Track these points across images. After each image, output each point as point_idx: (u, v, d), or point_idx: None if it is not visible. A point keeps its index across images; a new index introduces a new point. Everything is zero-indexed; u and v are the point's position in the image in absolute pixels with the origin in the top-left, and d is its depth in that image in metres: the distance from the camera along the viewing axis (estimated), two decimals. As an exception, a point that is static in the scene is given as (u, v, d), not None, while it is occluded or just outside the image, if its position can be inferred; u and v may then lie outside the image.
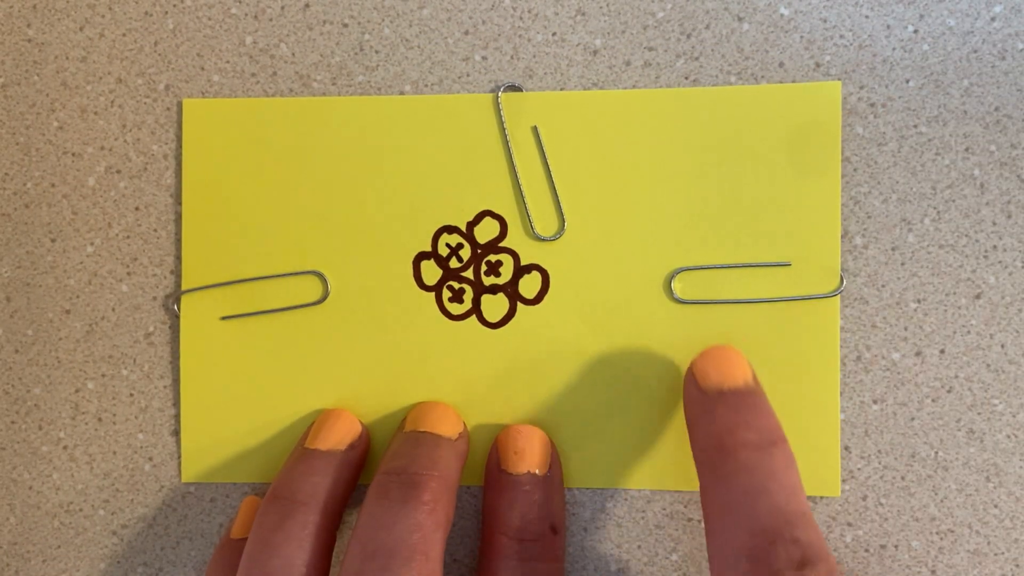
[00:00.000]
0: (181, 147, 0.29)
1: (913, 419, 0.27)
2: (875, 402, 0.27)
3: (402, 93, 0.28)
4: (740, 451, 0.22)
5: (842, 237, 0.27)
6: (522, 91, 0.28)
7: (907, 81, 0.27)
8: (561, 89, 0.27)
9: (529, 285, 0.28)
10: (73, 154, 0.29)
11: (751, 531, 0.21)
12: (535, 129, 0.27)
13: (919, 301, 0.27)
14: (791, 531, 0.21)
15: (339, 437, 0.26)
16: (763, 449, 0.22)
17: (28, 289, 0.29)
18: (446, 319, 0.28)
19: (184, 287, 0.28)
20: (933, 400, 0.27)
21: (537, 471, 0.26)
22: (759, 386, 0.24)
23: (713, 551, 0.22)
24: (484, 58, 0.28)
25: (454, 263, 0.28)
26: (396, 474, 0.24)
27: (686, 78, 0.27)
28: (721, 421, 0.23)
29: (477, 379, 0.28)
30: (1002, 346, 0.27)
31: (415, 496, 0.23)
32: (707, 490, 0.23)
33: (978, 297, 0.27)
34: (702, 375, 0.24)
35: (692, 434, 0.24)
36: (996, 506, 0.27)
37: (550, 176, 0.27)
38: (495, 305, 0.28)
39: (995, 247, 0.27)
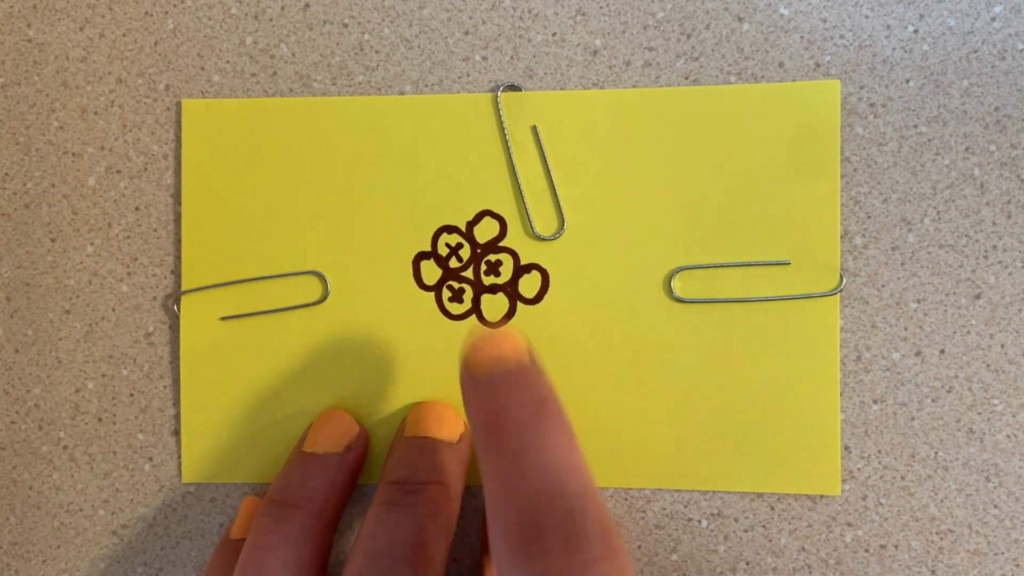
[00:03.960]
0: (181, 147, 0.29)
1: (913, 419, 0.27)
2: (875, 402, 0.27)
3: (402, 93, 0.28)
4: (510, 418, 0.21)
5: (842, 237, 0.27)
6: (521, 91, 0.28)
7: (907, 81, 0.27)
8: (561, 89, 0.27)
9: (529, 285, 0.28)
10: (73, 154, 0.29)
11: (519, 499, 0.19)
12: (534, 129, 0.27)
13: (919, 301, 0.27)
14: (562, 502, 0.19)
15: (336, 440, 0.26)
16: (533, 411, 0.21)
17: (28, 289, 0.29)
18: (446, 319, 0.28)
19: (184, 287, 0.28)
20: (933, 400, 0.27)
21: None
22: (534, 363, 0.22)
23: (489, 522, 0.20)
24: (484, 58, 0.28)
25: (454, 263, 0.28)
26: (399, 484, 0.24)
27: (686, 78, 0.27)
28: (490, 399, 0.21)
29: (477, 379, 0.28)
30: (1002, 346, 0.27)
31: (419, 503, 0.24)
32: (481, 461, 0.21)
33: (978, 297, 0.27)
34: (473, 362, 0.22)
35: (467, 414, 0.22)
36: (996, 506, 0.27)
37: (549, 176, 0.27)
38: (495, 305, 0.28)
39: (995, 247, 0.27)
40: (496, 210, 0.28)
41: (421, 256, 0.28)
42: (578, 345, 0.27)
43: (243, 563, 0.24)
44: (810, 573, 0.27)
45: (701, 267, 0.27)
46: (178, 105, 0.29)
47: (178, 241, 0.29)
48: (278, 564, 0.24)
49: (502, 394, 0.21)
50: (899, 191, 0.27)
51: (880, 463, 0.27)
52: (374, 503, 0.24)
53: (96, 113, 0.29)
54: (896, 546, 0.27)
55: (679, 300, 0.27)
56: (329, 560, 0.26)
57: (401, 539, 0.23)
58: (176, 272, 0.29)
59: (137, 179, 0.29)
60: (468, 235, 0.28)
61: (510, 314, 0.28)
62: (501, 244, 0.28)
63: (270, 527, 0.24)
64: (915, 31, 0.27)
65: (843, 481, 0.27)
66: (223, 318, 0.28)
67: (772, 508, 0.27)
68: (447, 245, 0.28)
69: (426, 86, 0.28)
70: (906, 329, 0.27)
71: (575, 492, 0.19)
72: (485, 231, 0.28)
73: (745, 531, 0.27)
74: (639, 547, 0.28)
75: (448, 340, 0.28)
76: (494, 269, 0.28)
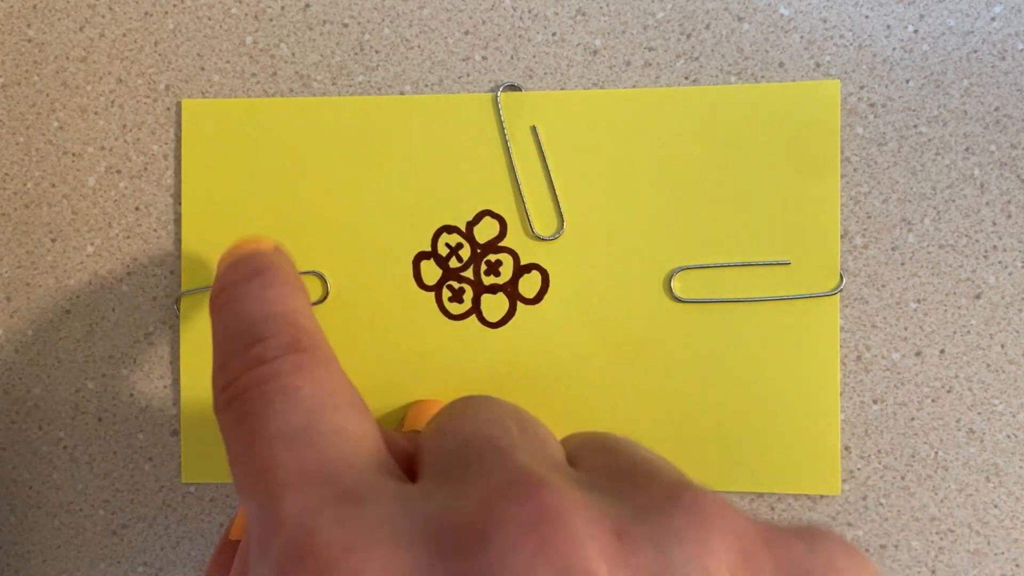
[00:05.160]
0: (181, 147, 0.29)
1: (913, 419, 0.27)
2: (875, 402, 0.27)
3: (402, 93, 0.28)
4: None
5: (842, 237, 0.27)
6: (521, 91, 0.28)
7: (907, 81, 0.27)
8: (561, 89, 0.27)
9: (529, 285, 0.28)
10: (73, 154, 0.29)
11: (219, 343, 0.20)
12: (534, 129, 0.27)
13: (919, 301, 0.27)
14: (267, 326, 0.20)
15: None
16: (245, 275, 0.22)
17: (28, 289, 0.29)
18: (446, 319, 0.28)
19: (184, 287, 0.28)
20: (933, 400, 0.27)
21: None
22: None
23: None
24: (484, 58, 0.28)
25: (454, 263, 0.28)
26: None
27: (686, 78, 0.27)
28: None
29: (477, 379, 0.28)
30: (1002, 346, 0.27)
31: None
32: None
33: (978, 297, 0.27)
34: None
35: None
36: (996, 506, 0.27)
37: (549, 176, 0.27)
38: (495, 305, 0.28)
39: (995, 247, 0.27)
40: (496, 210, 0.28)
41: (421, 256, 0.28)
42: (578, 345, 0.27)
43: (239, 562, 0.24)
44: (810, 573, 0.27)
45: (701, 267, 0.27)
46: (178, 105, 0.29)
47: (178, 241, 0.29)
48: None
49: (228, 271, 0.22)
50: (899, 191, 0.27)
51: (880, 463, 0.27)
52: None
53: (96, 113, 0.29)
54: (896, 546, 0.27)
55: (679, 300, 0.27)
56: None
57: None
58: (176, 272, 0.29)
59: (137, 179, 0.29)
60: (468, 235, 0.28)
61: (510, 314, 0.28)
62: (501, 244, 0.28)
63: None
64: (915, 31, 0.27)
65: (843, 481, 0.27)
66: (223, 318, 0.28)
67: (772, 508, 0.27)
68: (447, 245, 0.28)
69: (426, 86, 0.28)
70: (906, 329, 0.27)
71: (272, 319, 0.21)
72: (485, 231, 0.28)
73: (745, 531, 0.27)
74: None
75: (448, 340, 0.28)
76: (494, 269, 0.28)
